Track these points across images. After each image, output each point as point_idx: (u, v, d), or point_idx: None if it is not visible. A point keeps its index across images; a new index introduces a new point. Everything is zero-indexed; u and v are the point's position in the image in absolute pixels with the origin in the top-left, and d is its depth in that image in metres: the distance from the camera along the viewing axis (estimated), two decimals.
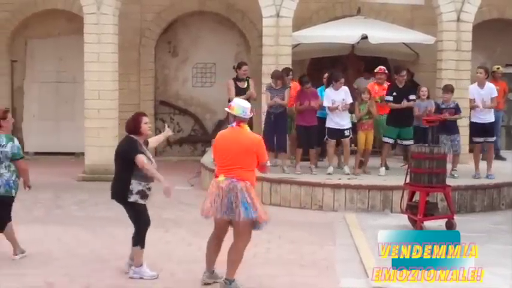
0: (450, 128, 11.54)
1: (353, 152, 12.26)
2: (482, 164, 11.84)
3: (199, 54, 17.09)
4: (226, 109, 7.05)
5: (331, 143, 11.96)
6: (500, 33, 16.33)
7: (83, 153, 14.14)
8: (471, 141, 12.14)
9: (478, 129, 11.86)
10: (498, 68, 14.09)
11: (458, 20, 13.18)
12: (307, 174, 11.71)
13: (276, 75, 11.96)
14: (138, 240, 7.37)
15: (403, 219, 9.88)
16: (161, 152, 16.64)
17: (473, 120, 11.98)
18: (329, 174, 11.67)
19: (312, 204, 11.14)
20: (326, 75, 12.61)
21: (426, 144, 9.77)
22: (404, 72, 12.18)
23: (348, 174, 11.70)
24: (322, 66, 14.81)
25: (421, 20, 15.32)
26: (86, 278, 7.33)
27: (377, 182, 11.28)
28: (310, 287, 7.26)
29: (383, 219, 10.41)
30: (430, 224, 9.62)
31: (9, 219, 8.01)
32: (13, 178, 7.86)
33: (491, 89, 11.98)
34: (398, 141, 12.35)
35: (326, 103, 11.81)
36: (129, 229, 7.55)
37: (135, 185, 7.26)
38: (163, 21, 16.81)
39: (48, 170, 13.60)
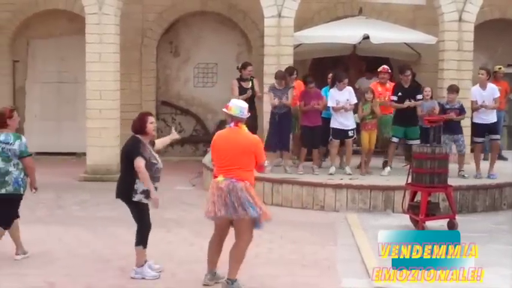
0: (454, 128, 11.51)
1: (355, 152, 12.26)
2: (483, 164, 11.84)
3: (201, 54, 17.08)
4: (224, 109, 7.03)
5: (335, 143, 11.94)
6: (502, 33, 16.32)
7: (84, 154, 14.14)
8: (472, 142, 12.14)
9: (480, 129, 11.85)
10: (500, 68, 14.07)
11: (460, 20, 13.15)
12: (309, 174, 11.70)
13: (280, 76, 11.96)
14: (141, 240, 7.37)
15: (405, 220, 9.87)
16: (163, 152, 16.47)
17: (475, 121, 11.97)
18: (331, 174, 11.66)
19: (313, 204, 11.14)
20: (330, 75, 12.61)
21: (428, 144, 9.77)
22: (408, 72, 12.15)
23: (350, 174, 11.69)
24: (323, 67, 14.81)
25: (423, 20, 15.31)
26: (88, 278, 7.33)
27: (379, 182, 11.26)
28: (312, 287, 7.26)
29: (385, 219, 10.40)
30: (432, 224, 9.62)
31: (17, 216, 8.05)
32: (21, 176, 7.89)
33: (493, 90, 11.98)
34: (406, 141, 12.32)
35: (330, 103, 11.81)
36: (131, 229, 7.55)
37: (140, 185, 7.26)
38: (165, 21, 16.80)
39: (49, 170, 13.57)
